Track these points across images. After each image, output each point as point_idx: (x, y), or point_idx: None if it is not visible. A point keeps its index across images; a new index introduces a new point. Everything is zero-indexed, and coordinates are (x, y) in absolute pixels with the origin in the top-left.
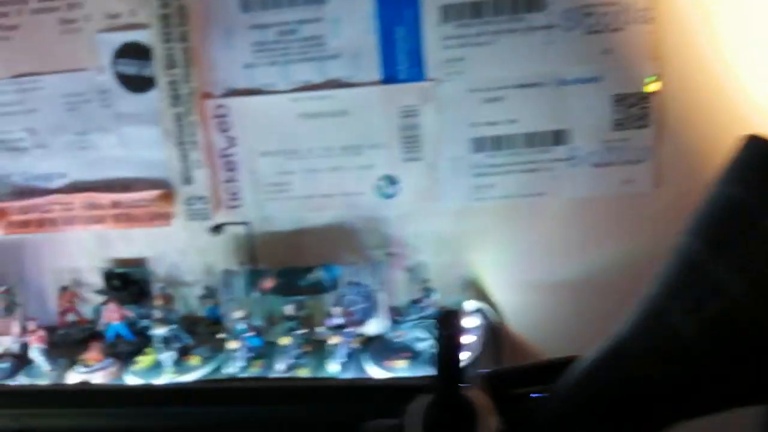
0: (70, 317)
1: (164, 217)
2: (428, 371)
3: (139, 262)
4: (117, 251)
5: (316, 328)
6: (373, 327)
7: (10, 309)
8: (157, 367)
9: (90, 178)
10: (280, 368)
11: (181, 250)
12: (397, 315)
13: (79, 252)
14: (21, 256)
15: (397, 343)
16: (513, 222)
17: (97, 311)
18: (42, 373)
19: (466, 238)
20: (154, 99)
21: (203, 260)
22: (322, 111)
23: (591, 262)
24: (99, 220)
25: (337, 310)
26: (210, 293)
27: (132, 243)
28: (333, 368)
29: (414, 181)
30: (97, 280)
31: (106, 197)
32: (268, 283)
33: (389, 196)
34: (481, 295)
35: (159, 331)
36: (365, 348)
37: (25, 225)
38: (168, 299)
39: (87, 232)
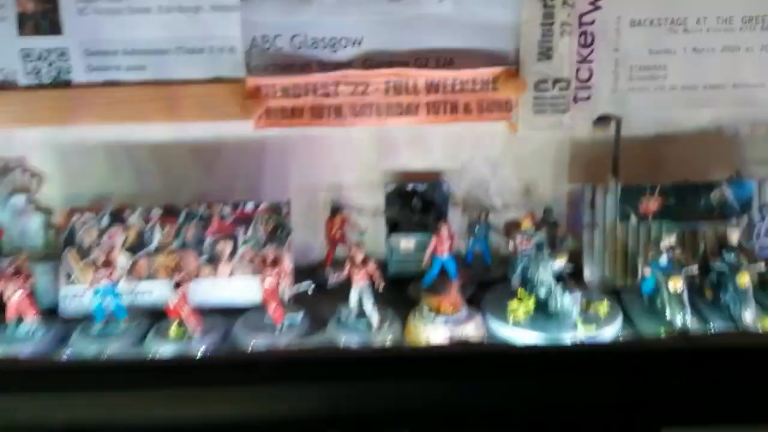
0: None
1: (502, 107)
2: None
3: (433, 177)
4: (402, 159)
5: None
6: None
7: (279, 237)
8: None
9: (395, 47)
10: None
11: (494, 160)
12: None
13: (350, 159)
14: (276, 161)
15: None
16: None
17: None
18: (356, 327)
19: None
20: None
21: (525, 173)
22: None
23: None
24: (406, 109)
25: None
26: (549, 219)
27: (429, 148)
28: None
29: None
30: (366, 200)
31: (420, 75)
32: (653, 203)
33: None
34: None
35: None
36: None
37: (290, 114)
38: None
39: (362, 132)
